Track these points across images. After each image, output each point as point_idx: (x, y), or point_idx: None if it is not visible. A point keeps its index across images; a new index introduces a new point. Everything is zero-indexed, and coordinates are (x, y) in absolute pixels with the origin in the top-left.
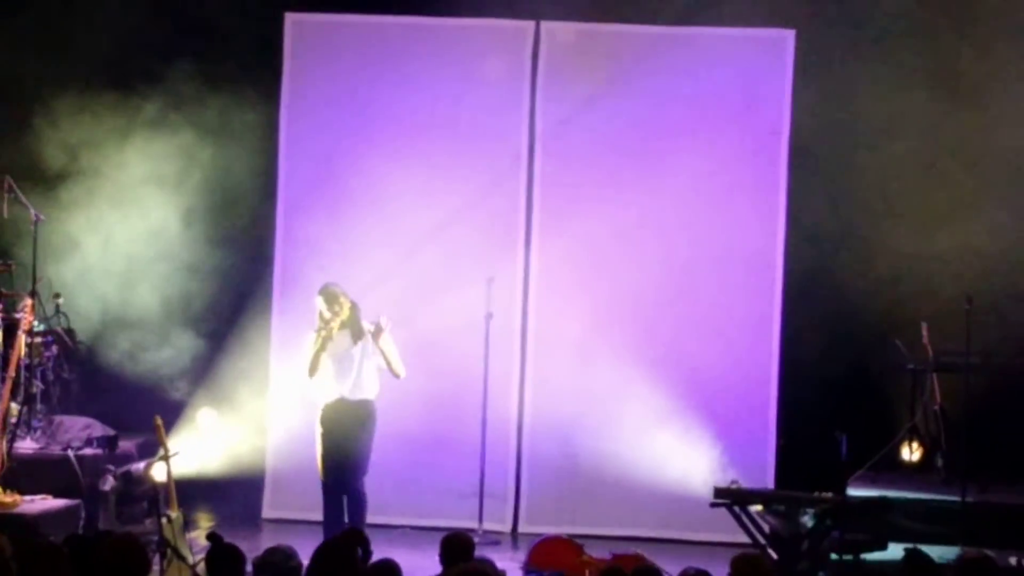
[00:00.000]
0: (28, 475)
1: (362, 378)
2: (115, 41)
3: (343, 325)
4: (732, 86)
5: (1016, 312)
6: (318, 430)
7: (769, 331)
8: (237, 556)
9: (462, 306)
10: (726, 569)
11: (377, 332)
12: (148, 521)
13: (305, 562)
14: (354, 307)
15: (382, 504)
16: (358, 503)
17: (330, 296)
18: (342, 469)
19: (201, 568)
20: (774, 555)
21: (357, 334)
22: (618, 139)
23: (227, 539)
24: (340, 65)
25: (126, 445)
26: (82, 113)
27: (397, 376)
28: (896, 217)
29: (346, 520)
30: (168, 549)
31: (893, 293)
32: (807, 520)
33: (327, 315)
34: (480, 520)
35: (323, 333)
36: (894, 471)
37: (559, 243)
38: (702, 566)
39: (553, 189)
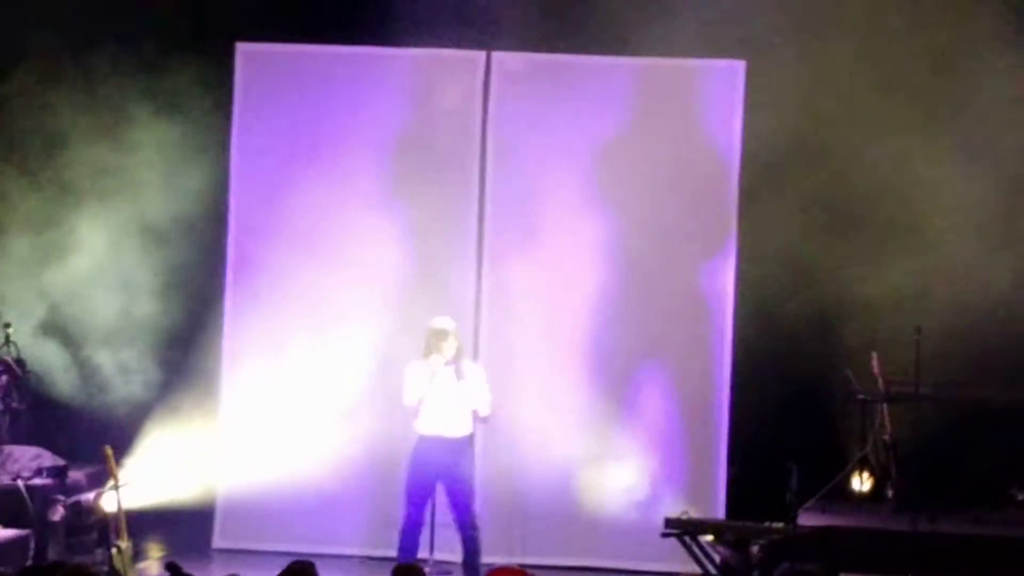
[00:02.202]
0: None
1: (459, 413)
2: (62, 68)
3: (449, 362)
4: (683, 117)
5: (966, 342)
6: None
7: (720, 360)
8: None
9: (414, 334)
10: None
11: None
12: (98, 551)
13: None
14: (460, 349)
15: (334, 534)
16: (471, 539)
17: (439, 334)
18: (426, 507)
19: None
20: None
21: (460, 372)
22: (570, 168)
23: (179, 565)
24: (291, 95)
25: (76, 475)
26: (28, 137)
27: (483, 413)
28: (847, 247)
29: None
30: None
31: (843, 323)
32: (758, 550)
33: (436, 354)
34: (432, 550)
35: (429, 373)
36: (845, 501)
37: (511, 272)
38: None
39: (505, 218)
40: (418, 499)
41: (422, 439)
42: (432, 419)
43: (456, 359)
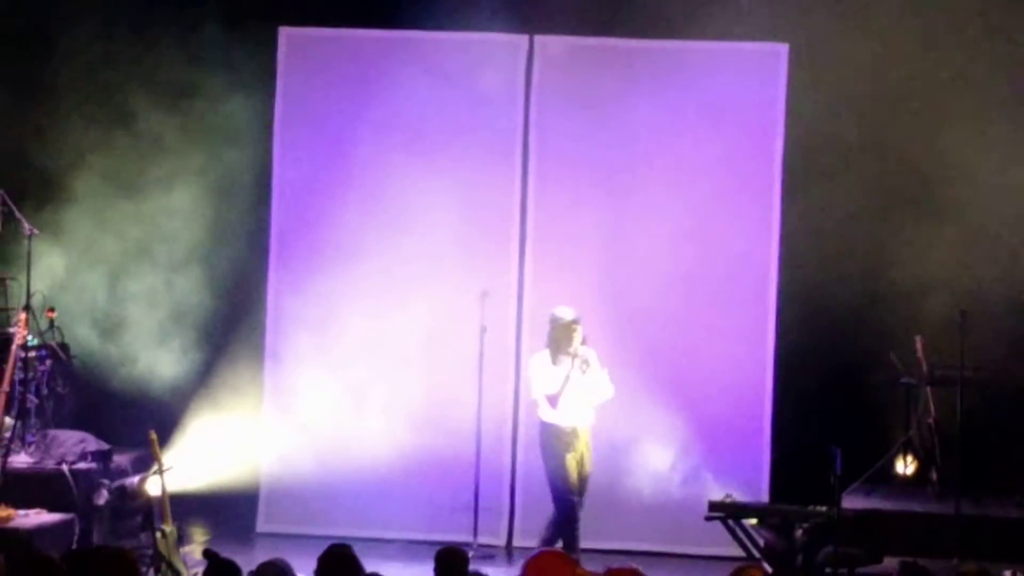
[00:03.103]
0: (22, 490)
1: (585, 405)
2: (108, 56)
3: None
4: (726, 100)
5: (1010, 325)
6: (553, 449)
7: (764, 344)
8: (235, 571)
9: (456, 319)
10: None
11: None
12: (142, 535)
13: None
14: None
15: (376, 519)
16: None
17: (571, 327)
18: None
19: None
20: (768, 569)
21: (584, 363)
22: (612, 152)
23: (221, 554)
24: (334, 80)
25: (120, 459)
26: (75, 128)
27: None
28: (891, 230)
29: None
30: (162, 563)
31: (888, 306)
32: (801, 534)
33: (569, 349)
34: (475, 534)
35: (570, 371)
36: (888, 485)
37: (554, 256)
38: None
39: (548, 202)
40: (570, 489)
41: (561, 430)
42: (567, 411)
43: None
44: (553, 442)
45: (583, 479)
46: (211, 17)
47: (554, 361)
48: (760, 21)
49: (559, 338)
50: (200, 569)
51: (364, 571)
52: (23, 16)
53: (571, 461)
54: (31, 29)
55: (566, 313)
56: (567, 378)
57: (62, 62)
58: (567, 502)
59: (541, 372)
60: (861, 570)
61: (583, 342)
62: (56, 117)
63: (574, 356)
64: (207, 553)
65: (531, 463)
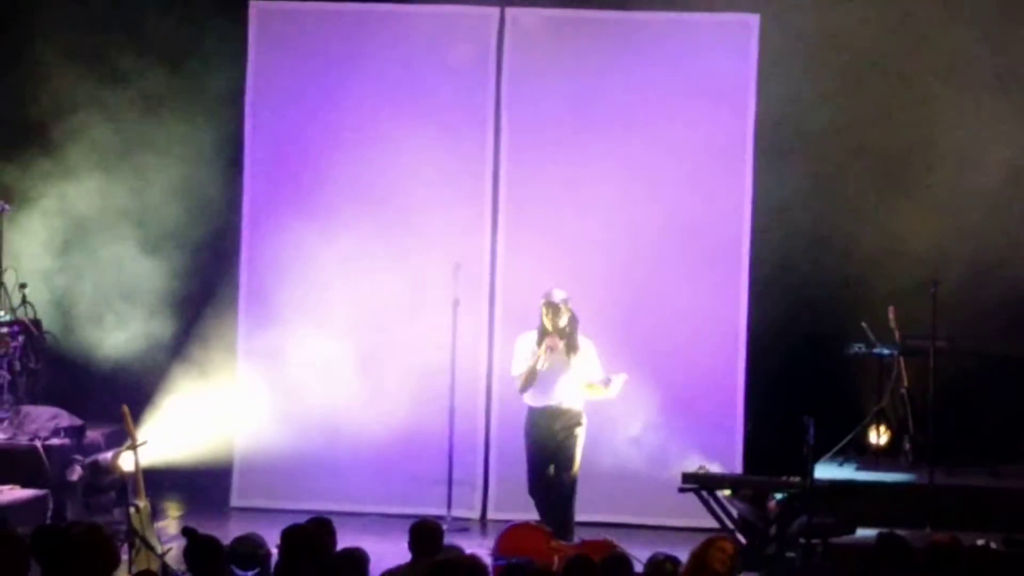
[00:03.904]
0: None
1: (567, 389)
2: (76, 31)
3: (561, 335)
4: (697, 71)
5: (981, 295)
6: (524, 430)
7: (736, 315)
8: (215, 548)
9: (430, 292)
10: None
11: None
12: (116, 511)
13: (273, 550)
14: (572, 320)
15: (351, 492)
16: (566, 513)
17: (552, 308)
18: (544, 476)
19: (170, 557)
20: (742, 539)
21: (571, 347)
22: (584, 125)
23: (198, 530)
24: (305, 53)
25: (93, 435)
26: (45, 103)
27: (607, 394)
28: (863, 201)
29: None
30: (136, 539)
31: (860, 277)
32: (775, 505)
33: (548, 327)
34: (449, 507)
35: (540, 352)
36: (862, 455)
37: (526, 228)
38: (671, 551)
39: (520, 175)
40: (537, 470)
41: (533, 410)
42: (543, 392)
43: (569, 330)
44: (525, 423)
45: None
46: None
47: (538, 342)
48: None
49: (542, 317)
50: (175, 544)
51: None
52: None
53: (534, 445)
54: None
55: (552, 295)
56: (538, 359)
57: (27, 36)
58: (528, 484)
59: (520, 351)
60: (834, 540)
61: (565, 330)
62: (24, 94)
63: (541, 339)
64: (186, 531)
65: (505, 436)
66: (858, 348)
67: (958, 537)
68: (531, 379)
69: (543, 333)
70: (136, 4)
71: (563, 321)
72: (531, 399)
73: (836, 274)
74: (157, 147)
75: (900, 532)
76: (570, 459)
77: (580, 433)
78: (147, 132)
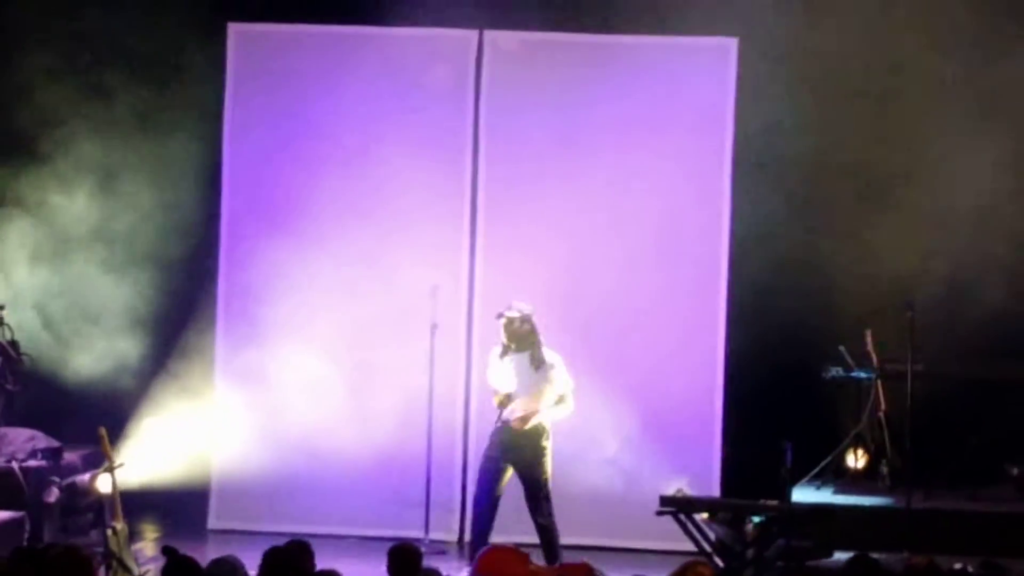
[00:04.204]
0: None
1: (532, 402)
2: (57, 50)
3: (522, 349)
4: (676, 95)
5: (958, 319)
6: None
7: (714, 339)
8: (194, 569)
9: (408, 315)
10: None
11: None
12: (93, 533)
13: (252, 573)
14: (531, 333)
15: (329, 514)
16: (549, 529)
17: (505, 323)
18: (494, 488)
19: None
20: (720, 563)
21: (536, 361)
22: (563, 148)
23: (176, 548)
24: (283, 76)
25: (71, 457)
26: (22, 121)
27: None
28: (841, 225)
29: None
30: (114, 561)
31: (837, 301)
32: (752, 528)
33: (507, 342)
34: (427, 530)
35: (506, 390)
36: (839, 478)
37: (504, 252)
38: (648, 574)
39: (498, 198)
40: (483, 480)
41: (495, 427)
42: (509, 407)
43: (528, 346)
44: (491, 432)
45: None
46: (160, 12)
47: (500, 356)
48: (709, 15)
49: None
50: (152, 566)
51: (313, 568)
52: None
53: (495, 453)
54: None
55: (507, 308)
56: (497, 374)
57: (3, 58)
58: (478, 490)
59: (492, 363)
60: (811, 563)
61: (525, 342)
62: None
63: (503, 354)
64: (166, 550)
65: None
66: (836, 372)
67: (936, 561)
68: (506, 403)
69: (504, 349)
70: (120, 22)
71: (518, 331)
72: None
73: (814, 297)
74: (134, 166)
75: (877, 555)
76: (540, 476)
77: (544, 454)
78: (124, 151)
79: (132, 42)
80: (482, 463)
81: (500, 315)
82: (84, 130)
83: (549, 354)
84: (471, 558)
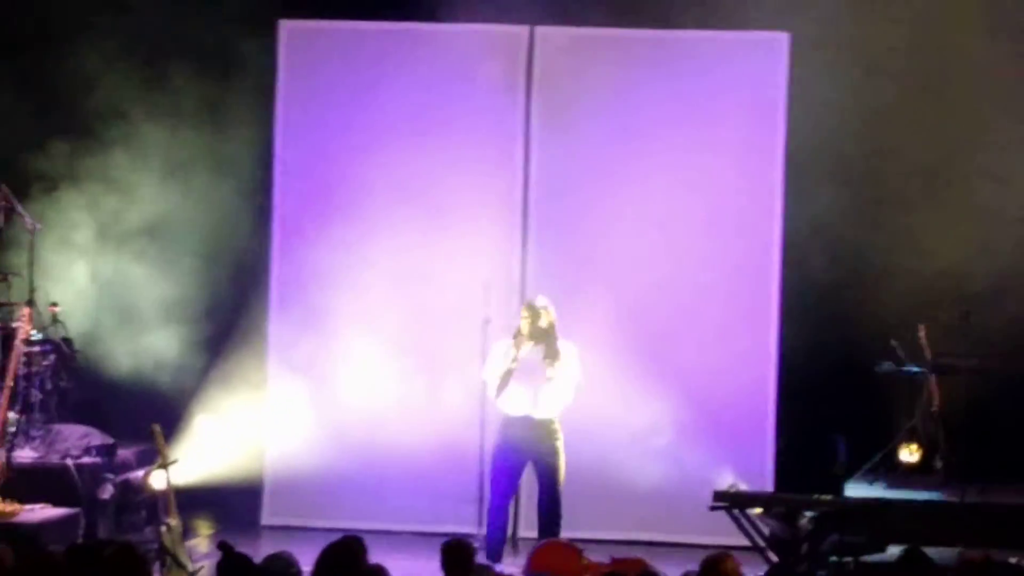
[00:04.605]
0: (27, 484)
1: (545, 398)
2: (104, 49)
3: (537, 339)
4: (727, 89)
5: (1012, 314)
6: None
7: (767, 333)
8: (248, 566)
9: (460, 311)
10: None
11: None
12: (147, 529)
13: (305, 569)
14: (551, 326)
15: (382, 510)
16: (551, 520)
17: (532, 311)
18: (511, 485)
19: (202, 575)
20: (774, 557)
21: (551, 354)
22: (613, 143)
23: (231, 544)
24: (334, 72)
25: (124, 453)
26: (75, 123)
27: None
28: (895, 219)
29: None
30: (167, 557)
31: (890, 295)
32: (806, 523)
33: (524, 331)
34: (480, 525)
35: (512, 357)
36: (893, 473)
37: (556, 247)
38: None
39: (549, 194)
40: (500, 480)
41: (507, 419)
42: (515, 399)
43: (546, 338)
44: (498, 430)
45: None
46: (214, 8)
47: (514, 345)
48: (761, 10)
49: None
50: (205, 563)
51: (367, 563)
52: (25, 13)
53: (506, 452)
54: (32, 25)
55: (529, 298)
56: (508, 364)
57: (60, 55)
58: (492, 492)
59: (494, 355)
60: (865, 558)
61: (538, 332)
62: (54, 108)
63: (513, 346)
64: (222, 545)
65: None
66: (888, 366)
67: (990, 555)
68: (506, 381)
69: (519, 340)
70: (176, 17)
71: (542, 324)
72: (507, 406)
73: (867, 292)
74: (188, 160)
75: (931, 550)
76: (555, 468)
77: (560, 447)
78: (178, 145)
79: (187, 37)
80: (499, 463)
81: (530, 306)
82: (139, 124)
83: (564, 344)
84: (489, 556)
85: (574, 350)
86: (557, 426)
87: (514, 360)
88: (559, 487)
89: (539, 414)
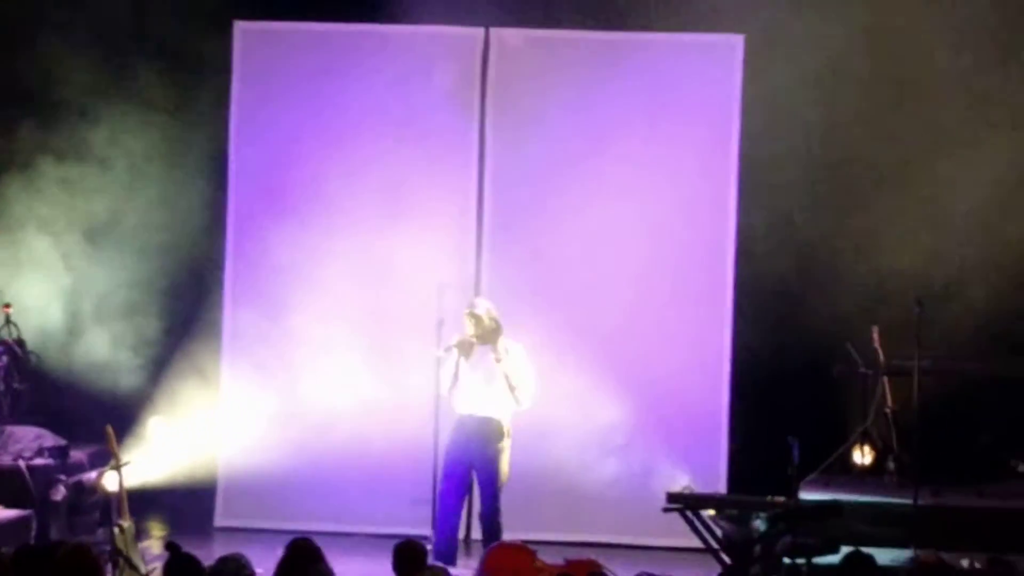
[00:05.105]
0: None
1: (492, 398)
2: (65, 53)
3: (484, 340)
4: (682, 91)
5: (965, 315)
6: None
7: (721, 335)
8: (195, 566)
9: (415, 312)
10: (680, 574)
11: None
12: (100, 531)
13: (258, 571)
14: (497, 329)
15: (335, 512)
16: (490, 523)
17: (474, 317)
18: (460, 485)
19: None
20: (727, 559)
21: (499, 353)
22: (568, 144)
23: (179, 544)
24: (289, 73)
25: (77, 455)
26: (29, 115)
27: (517, 404)
28: (847, 221)
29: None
30: (120, 559)
31: (844, 297)
32: (759, 524)
33: (467, 334)
34: (432, 527)
35: (456, 354)
36: (846, 475)
37: (511, 248)
38: (655, 571)
39: (504, 195)
40: (449, 477)
41: (457, 418)
42: (464, 398)
43: (491, 340)
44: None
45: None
46: (170, 8)
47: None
48: (715, 12)
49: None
50: (158, 564)
51: (327, 564)
52: None
53: (451, 451)
54: None
55: (470, 304)
56: (452, 367)
57: (15, 49)
58: (442, 489)
59: (442, 365)
60: (818, 560)
61: (491, 336)
62: (7, 105)
63: (449, 345)
64: (169, 545)
65: None
66: (842, 368)
67: (943, 557)
68: (455, 381)
69: (466, 344)
70: (135, 15)
71: (482, 330)
72: (458, 406)
73: (821, 294)
74: (141, 162)
75: (884, 552)
76: (493, 473)
77: (505, 446)
78: (131, 146)
79: (145, 35)
80: (448, 463)
81: (470, 311)
82: (92, 122)
83: (512, 345)
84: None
85: (522, 350)
86: (505, 427)
87: (456, 357)
88: (497, 495)
89: (487, 412)
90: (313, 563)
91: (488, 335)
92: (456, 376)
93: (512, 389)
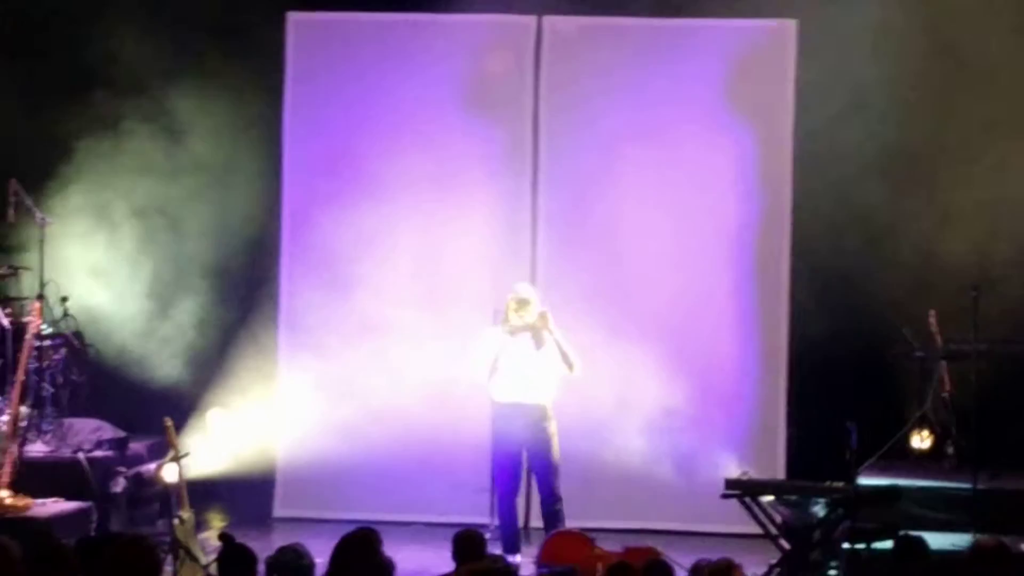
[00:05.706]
0: (39, 479)
1: (534, 381)
2: (111, 44)
3: (525, 328)
4: (736, 77)
5: (1021, 298)
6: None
7: (778, 321)
8: (249, 556)
9: (472, 301)
10: (737, 560)
11: (542, 321)
12: (160, 522)
13: (318, 560)
14: (543, 316)
15: (394, 502)
16: (551, 511)
17: (519, 301)
18: (516, 474)
19: (213, 569)
20: (786, 545)
21: (539, 339)
22: (622, 132)
23: (239, 539)
24: (342, 64)
25: (136, 447)
26: (84, 116)
27: (570, 369)
28: (905, 205)
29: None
30: (180, 550)
31: (901, 281)
32: (818, 510)
33: (514, 320)
34: (492, 516)
35: (503, 337)
36: (904, 460)
37: (565, 236)
38: (714, 557)
39: (559, 183)
40: (503, 467)
41: (499, 406)
42: (508, 386)
43: (537, 326)
44: (492, 419)
45: (533, 463)
46: (217, 4)
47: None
48: None
49: (505, 312)
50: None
51: (383, 555)
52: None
53: (499, 442)
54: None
55: (517, 289)
56: (499, 352)
57: (65, 51)
58: (497, 483)
59: (479, 345)
60: (877, 545)
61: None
62: (61, 103)
63: (504, 332)
64: (223, 536)
65: None
66: (898, 352)
67: (1003, 541)
68: (494, 368)
69: (513, 329)
70: (180, 12)
71: (529, 317)
72: (497, 393)
73: (878, 279)
74: (196, 156)
75: (944, 537)
76: (550, 459)
77: (553, 429)
78: (184, 145)
79: (195, 32)
80: (500, 454)
81: (519, 297)
82: (143, 126)
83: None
84: (504, 546)
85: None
86: (550, 412)
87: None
88: (555, 475)
89: (531, 399)
90: (369, 554)
91: (538, 318)
92: (495, 364)
93: (564, 355)
